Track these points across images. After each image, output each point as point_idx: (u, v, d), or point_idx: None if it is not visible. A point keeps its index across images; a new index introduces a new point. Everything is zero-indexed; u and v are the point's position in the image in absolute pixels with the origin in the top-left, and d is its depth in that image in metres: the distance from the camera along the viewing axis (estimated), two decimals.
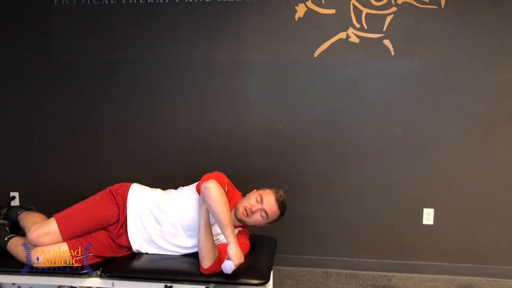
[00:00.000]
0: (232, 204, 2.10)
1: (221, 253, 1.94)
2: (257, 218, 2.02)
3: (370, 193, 2.96)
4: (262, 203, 2.01)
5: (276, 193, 2.04)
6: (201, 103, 2.99)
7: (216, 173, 2.02)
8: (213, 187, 1.88)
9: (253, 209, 2.00)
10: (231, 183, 2.11)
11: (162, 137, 3.06)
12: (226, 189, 1.99)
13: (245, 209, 2.00)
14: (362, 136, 2.91)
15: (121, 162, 3.11)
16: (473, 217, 2.90)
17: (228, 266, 1.83)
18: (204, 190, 1.89)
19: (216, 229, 2.05)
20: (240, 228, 2.14)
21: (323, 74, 2.88)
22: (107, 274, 1.98)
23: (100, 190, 2.17)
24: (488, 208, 2.89)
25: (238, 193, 2.16)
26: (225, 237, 1.87)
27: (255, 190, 2.11)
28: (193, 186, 2.10)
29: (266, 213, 2.01)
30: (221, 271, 1.89)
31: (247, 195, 2.11)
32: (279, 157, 2.97)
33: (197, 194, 2.04)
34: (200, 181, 2.00)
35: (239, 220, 2.04)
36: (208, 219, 1.94)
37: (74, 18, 3.00)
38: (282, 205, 2.04)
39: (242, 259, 1.86)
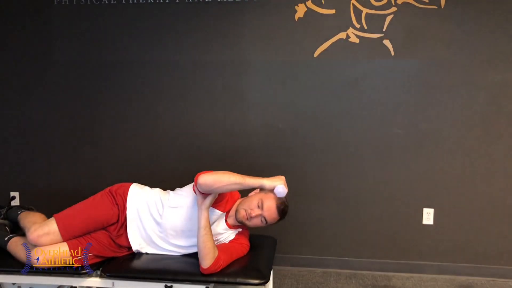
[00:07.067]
0: (231, 203, 2.10)
1: (220, 253, 1.94)
2: (256, 223, 2.03)
3: (370, 193, 2.96)
4: (263, 209, 2.00)
5: (278, 199, 2.01)
6: (201, 103, 2.99)
7: (205, 171, 2.00)
8: (204, 179, 1.87)
9: (253, 214, 2.00)
10: None
11: (162, 137, 3.06)
12: None
13: (246, 213, 2.01)
14: (362, 136, 2.91)
15: (121, 162, 3.11)
16: (473, 217, 2.90)
17: (282, 189, 1.89)
18: (202, 187, 1.87)
19: (216, 229, 2.05)
20: (240, 229, 2.15)
21: (323, 74, 2.88)
22: (107, 274, 1.98)
23: (100, 190, 2.17)
24: (488, 208, 2.89)
25: (235, 192, 2.15)
26: (253, 186, 1.90)
27: (258, 190, 2.09)
28: (189, 187, 2.10)
29: (265, 219, 2.01)
30: (221, 271, 1.91)
31: (249, 194, 2.11)
32: (279, 157, 2.97)
33: (195, 194, 2.03)
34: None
35: (240, 222, 2.05)
36: (208, 219, 1.94)
37: (74, 18, 2.99)
38: (282, 213, 2.03)
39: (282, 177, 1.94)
